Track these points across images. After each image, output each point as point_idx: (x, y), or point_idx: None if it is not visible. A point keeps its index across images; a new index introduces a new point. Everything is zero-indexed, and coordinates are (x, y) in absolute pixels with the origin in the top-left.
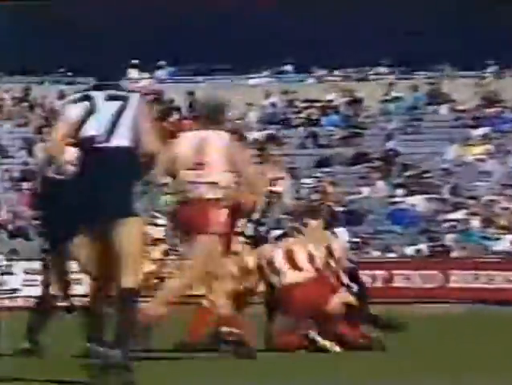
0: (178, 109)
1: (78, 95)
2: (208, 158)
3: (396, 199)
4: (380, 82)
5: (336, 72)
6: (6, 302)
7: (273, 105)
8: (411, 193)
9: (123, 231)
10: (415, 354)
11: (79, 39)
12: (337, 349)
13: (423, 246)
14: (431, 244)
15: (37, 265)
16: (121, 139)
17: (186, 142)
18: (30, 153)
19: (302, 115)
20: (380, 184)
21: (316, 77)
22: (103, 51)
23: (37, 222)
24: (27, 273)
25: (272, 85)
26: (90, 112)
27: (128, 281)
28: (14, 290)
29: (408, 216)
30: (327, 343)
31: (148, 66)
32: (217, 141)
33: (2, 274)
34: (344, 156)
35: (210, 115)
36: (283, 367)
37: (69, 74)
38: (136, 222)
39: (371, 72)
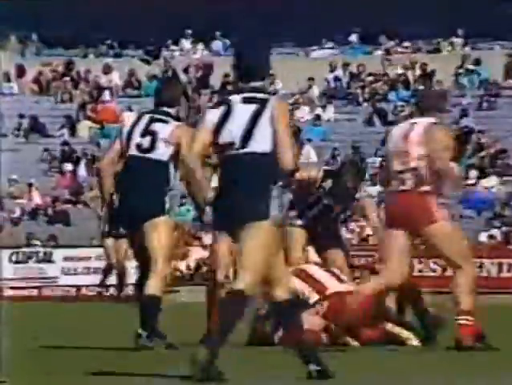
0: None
1: (216, 100)
2: (410, 146)
3: (469, 181)
4: (454, 54)
5: (406, 44)
6: (45, 292)
7: (337, 79)
8: (485, 175)
9: (252, 235)
10: (490, 347)
11: (126, 8)
12: (415, 342)
13: (497, 232)
14: (505, 229)
15: (77, 252)
16: (257, 144)
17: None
18: (73, 132)
19: (368, 90)
20: (452, 164)
21: (384, 49)
22: (152, 21)
23: None
24: (67, 260)
25: (336, 57)
26: (226, 117)
27: (239, 284)
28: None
29: (482, 200)
30: (409, 335)
31: (202, 37)
32: (420, 128)
33: (40, 262)
34: None
35: (430, 103)
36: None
37: (115, 46)
38: (267, 228)
39: (444, 43)
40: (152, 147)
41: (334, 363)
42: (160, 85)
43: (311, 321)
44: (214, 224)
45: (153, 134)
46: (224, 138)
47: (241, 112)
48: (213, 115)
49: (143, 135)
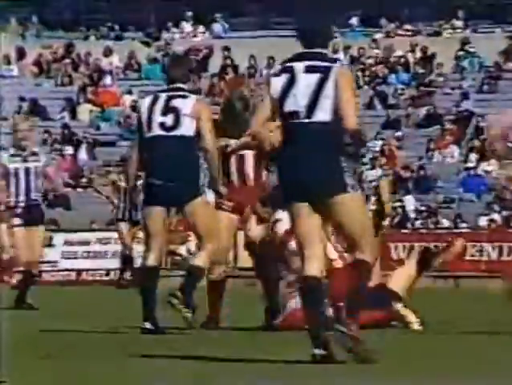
0: (235, 66)
1: (279, 67)
2: None
3: (469, 164)
4: (454, 37)
5: (406, 26)
6: (44, 276)
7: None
8: (485, 158)
9: (339, 208)
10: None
11: None
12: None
13: (497, 216)
14: (506, 213)
15: (77, 236)
16: (322, 113)
17: None
18: (73, 115)
19: (368, 73)
20: (453, 148)
21: (384, 31)
22: (152, 3)
23: None
24: (68, 244)
25: (336, 40)
26: (290, 85)
27: (365, 255)
28: (54, 263)
29: (482, 184)
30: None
31: (202, 20)
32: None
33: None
34: (414, 118)
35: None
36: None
37: (115, 28)
38: (350, 198)
39: (445, 26)
40: (176, 124)
41: None
42: (170, 62)
43: None
44: (286, 195)
45: (175, 110)
46: (289, 106)
47: (305, 81)
48: (276, 83)
49: (164, 113)
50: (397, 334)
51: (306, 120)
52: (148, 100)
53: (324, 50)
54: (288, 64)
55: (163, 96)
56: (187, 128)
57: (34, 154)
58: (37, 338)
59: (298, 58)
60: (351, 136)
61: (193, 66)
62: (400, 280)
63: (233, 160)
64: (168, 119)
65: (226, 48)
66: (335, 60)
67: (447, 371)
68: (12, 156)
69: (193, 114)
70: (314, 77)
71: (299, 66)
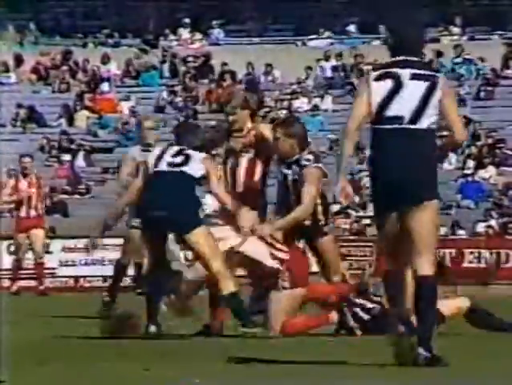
0: (232, 73)
1: (380, 72)
2: None
3: (467, 171)
4: (451, 43)
5: None
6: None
7: (335, 68)
8: (483, 165)
9: (423, 216)
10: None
11: None
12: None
13: (494, 222)
14: (503, 220)
15: (75, 243)
16: (429, 120)
17: None
18: (71, 122)
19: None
20: (450, 154)
21: (382, 38)
22: (151, 10)
23: None
24: (65, 251)
25: (334, 47)
26: (396, 91)
27: (428, 269)
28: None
29: (480, 190)
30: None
31: (200, 26)
32: None
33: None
34: None
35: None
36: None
37: (114, 35)
38: (435, 207)
39: (442, 33)
40: (185, 162)
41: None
42: (186, 129)
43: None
44: (380, 200)
45: (187, 155)
46: (392, 111)
47: (412, 87)
48: (379, 87)
49: (175, 155)
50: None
51: (411, 126)
52: (159, 148)
53: (429, 60)
54: (391, 70)
55: (176, 147)
56: (194, 170)
57: None
58: (38, 342)
59: (401, 64)
60: (454, 145)
61: (205, 138)
62: None
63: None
64: (178, 159)
65: (223, 55)
66: (437, 71)
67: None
68: (143, 151)
69: (203, 163)
70: (422, 84)
71: (405, 72)
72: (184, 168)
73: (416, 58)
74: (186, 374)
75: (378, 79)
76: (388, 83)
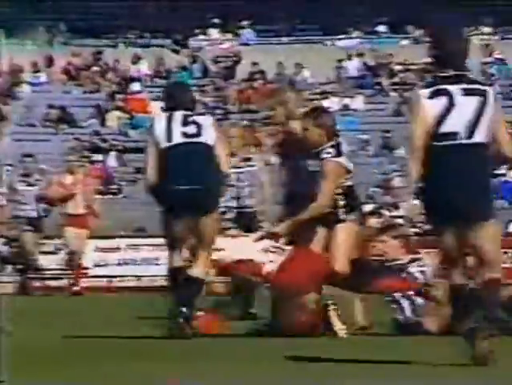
0: (262, 72)
1: (432, 89)
2: None
3: (501, 171)
4: (482, 42)
5: None
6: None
7: (364, 68)
8: None
9: (486, 235)
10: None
11: None
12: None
13: None
14: None
15: (108, 243)
16: (481, 135)
17: None
18: (102, 122)
19: (396, 80)
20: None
21: (412, 38)
22: (181, 10)
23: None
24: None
25: (363, 46)
26: (450, 107)
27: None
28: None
29: None
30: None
31: (229, 27)
32: None
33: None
34: None
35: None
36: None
37: (145, 35)
38: (495, 226)
39: (472, 32)
40: (198, 133)
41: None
42: (174, 89)
43: None
44: (440, 218)
45: (196, 123)
46: (447, 127)
47: (465, 103)
48: (432, 105)
49: (184, 124)
50: None
51: (466, 141)
52: (163, 116)
53: (477, 76)
54: (442, 87)
55: (178, 114)
56: (210, 139)
57: (246, 159)
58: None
59: (451, 80)
60: (502, 161)
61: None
62: None
63: None
64: (190, 129)
65: (253, 55)
66: (488, 85)
67: None
68: None
69: (213, 127)
70: (474, 99)
71: (456, 88)
72: (200, 139)
73: (465, 73)
74: (190, 375)
75: (431, 97)
76: (441, 101)
